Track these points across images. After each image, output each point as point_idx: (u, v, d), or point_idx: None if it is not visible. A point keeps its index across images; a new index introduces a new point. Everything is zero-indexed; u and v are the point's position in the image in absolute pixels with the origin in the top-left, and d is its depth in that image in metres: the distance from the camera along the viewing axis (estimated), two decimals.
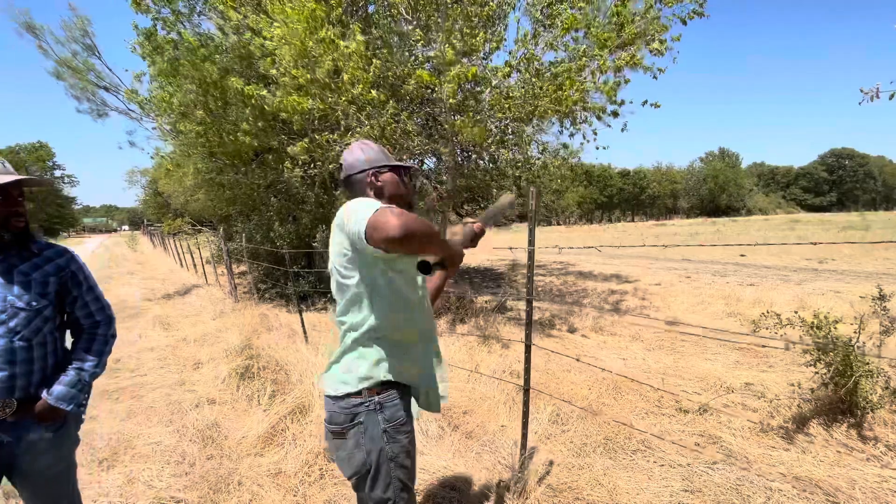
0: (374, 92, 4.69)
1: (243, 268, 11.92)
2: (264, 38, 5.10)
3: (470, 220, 1.61)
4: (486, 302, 7.36)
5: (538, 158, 7.73)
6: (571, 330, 5.90)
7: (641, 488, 2.49)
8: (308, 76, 4.64)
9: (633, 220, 73.87)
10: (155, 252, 23.23)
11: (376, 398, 1.33)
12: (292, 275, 6.08)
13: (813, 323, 3.08)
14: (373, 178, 1.45)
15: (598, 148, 7.11)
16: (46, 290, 1.45)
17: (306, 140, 5.52)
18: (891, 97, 3.36)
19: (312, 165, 6.14)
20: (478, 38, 4.83)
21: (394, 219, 1.10)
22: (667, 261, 13.68)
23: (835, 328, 3.06)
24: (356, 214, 1.19)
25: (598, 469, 2.67)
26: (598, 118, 6.51)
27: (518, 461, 2.27)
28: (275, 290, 8.61)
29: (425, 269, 1.29)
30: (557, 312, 6.79)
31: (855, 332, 2.98)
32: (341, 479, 2.63)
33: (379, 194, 1.45)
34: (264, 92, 5.46)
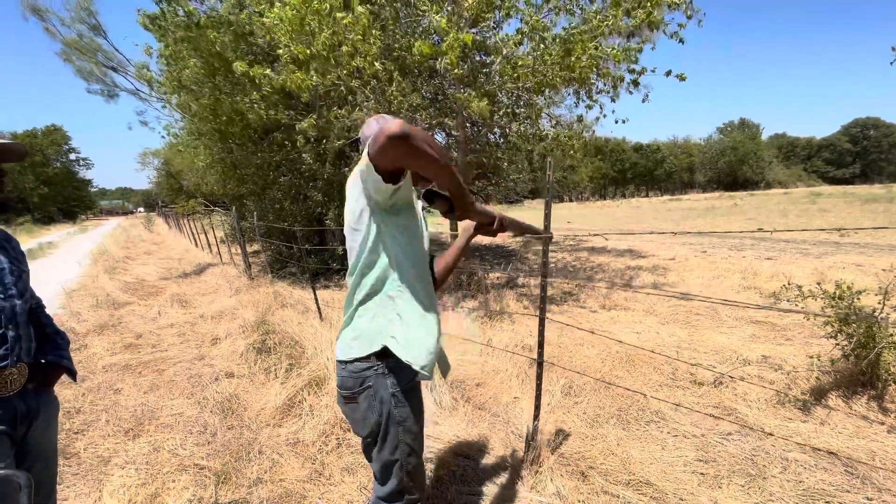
0: (377, 64, 4.59)
1: (256, 246, 12.05)
2: (262, 17, 5.00)
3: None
4: (496, 278, 7.35)
5: (550, 131, 7.56)
6: (584, 305, 5.88)
7: (655, 458, 2.50)
8: (307, 51, 4.54)
9: (647, 196, 72.58)
10: (170, 233, 23.59)
11: (384, 363, 1.34)
12: (305, 252, 6.11)
13: (835, 294, 3.01)
14: None
15: (616, 122, 6.93)
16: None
17: (314, 116, 5.46)
18: None
19: (324, 141, 6.09)
20: (471, 2, 4.63)
21: (392, 121, 1.07)
22: (682, 235, 13.46)
23: (858, 299, 2.98)
24: (364, 157, 1.18)
25: (612, 439, 2.69)
26: (615, 87, 6.30)
27: (531, 431, 2.29)
28: (287, 269, 8.70)
29: (429, 198, 1.26)
30: (570, 288, 6.76)
31: (879, 304, 2.91)
32: (358, 448, 2.69)
33: None
34: (269, 71, 5.38)
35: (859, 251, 8.65)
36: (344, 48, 4.62)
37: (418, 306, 1.36)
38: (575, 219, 22.26)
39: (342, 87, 4.91)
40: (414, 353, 1.31)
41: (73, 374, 1.54)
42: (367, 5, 4.76)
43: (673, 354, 3.91)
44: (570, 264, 9.01)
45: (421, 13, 5.38)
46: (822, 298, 3.07)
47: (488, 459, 2.54)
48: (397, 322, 1.33)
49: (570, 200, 68.46)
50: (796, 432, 2.71)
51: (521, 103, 7.06)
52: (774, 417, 2.88)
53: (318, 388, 3.38)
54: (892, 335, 2.88)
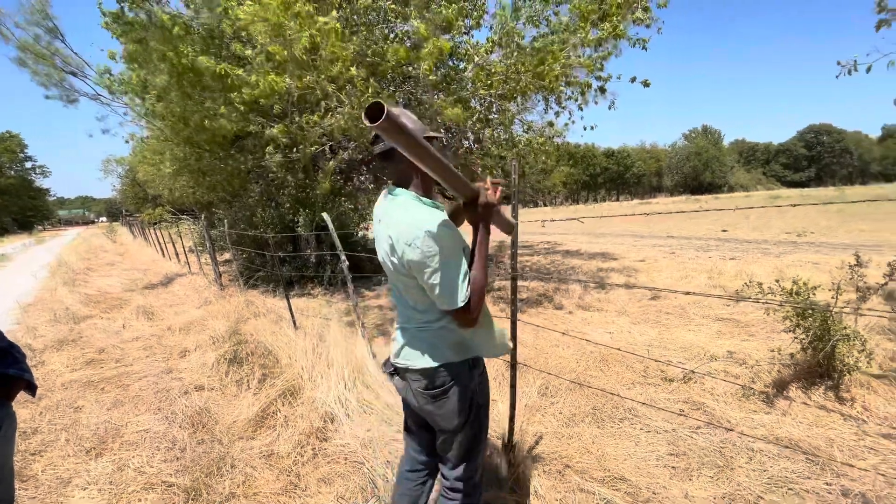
0: (353, 69, 4.57)
1: (227, 255, 11.74)
2: (236, 18, 4.90)
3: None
4: None
5: (522, 136, 7.69)
6: (558, 307, 5.97)
7: (629, 454, 2.56)
8: (285, 53, 4.49)
9: (617, 200, 74.46)
10: (135, 243, 22.72)
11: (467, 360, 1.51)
12: (278, 260, 6.00)
13: (792, 290, 3.16)
14: None
15: (585, 128, 7.14)
16: None
17: (286, 122, 5.38)
18: (868, 70, 3.40)
19: (294, 150, 6.00)
20: (450, 10, 4.69)
21: (478, 317, 1.37)
22: (651, 238, 13.86)
23: (813, 294, 3.14)
24: (438, 278, 1.31)
25: (587, 437, 2.73)
26: (583, 94, 6.47)
27: (507, 433, 2.31)
28: (260, 277, 8.52)
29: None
30: (544, 291, 6.85)
31: (832, 298, 3.07)
32: (334, 458, 2.65)
33: (422, 179, 1.44)
34: (239, 71, 5.28)
35: (815, 250, 9.11)
36: (323, 52, 4.58)
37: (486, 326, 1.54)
38: (549, 224, 22.63)
39: (317, 91, 4.86)
40: (486, 351, 1.55)
41: (33, 389, 1.46)
42: (340, 10, 4.75)
43: (644, 353, 4.02)
44: (545, 267, 9.14)
45: (393, 21, 5.40)
46: (780, 295, 3.22)
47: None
48: (475, 338, 1.50)
49: (544, 205, 69.49)
50: (761, 424, 2.82)
51: (494, 109, 7.16)
52: (740, 410, 2.99)
53: (292, 398, 3.31)
54: (845, 328, 3.04)
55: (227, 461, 2.67)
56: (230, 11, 4.98)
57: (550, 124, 7.75)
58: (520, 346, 4.38)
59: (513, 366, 2.29)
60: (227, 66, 5.36)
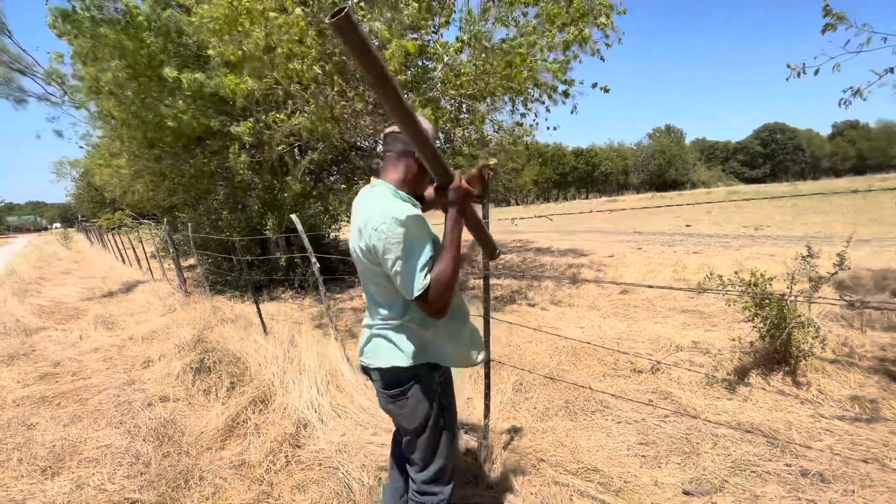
0: (316, 68, 4.49)
1: (192, 260, 11.36)
2: (190, 15, 4.75)
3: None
4: None
5: (493, 136, 7.75)
6: (532, 304, 6.05)
7: (601, 445, 2.62)
8: (239, 52, 4.36)
9: (587, 197, 76.07)
10: (92, 249, 21.66)
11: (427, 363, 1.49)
12: (245, 264, 5.84)
13: (750, 281, 3.30)
14: (415, 161, 1.45)
15: (548, 129, 7.26)
16: None
17: (251, 120, 5.24)
18: (815, 72, 3.58)
19: (260, 150, 5.86)
20: (412, 9, 4.67)
21: (443, 310, 1.34)
22: (619, 234, 14.24)
23: (769, 285, 3.29)
24: (400, 266, 1.29)
25: (561, 431, 2.78)
26: (549, 96, 6.59)
27: (482, 430, 2.32)
28: (227, 282, 8.27)
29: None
30: (518, 288, 6.93)
31: (787, 288, 3.22)
32: (308, 464, 2.60)
33: (415, 171, 1.47)
34: (199, 76, 5.11)
35: (772, 243, 9.55)
36: (279, 50, 4.48)
37: (453, 325, 1.51)
38: (521, 222, 22.91)
39: (280, 91, 4.75)
40: (445, 359, 1.51)
41: None
42: (304, 7, 4.65)
43: (614, 346, 4.12)
44: (518, 265, 9.24)
45: (360, 19, 5.33)
46: (739, 286, 3.36)
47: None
48: (433, 343, 1.48)
49: (517, 203, 70.27)
50: (724, 410, 2.94)
51: (465, 109, 7.19)
52: (705, 398, 3.10)
53: (263, 406, 3.23)
54: (800, 316, 3.20)
55: (195, 473, 2.58)
56: (191, 12, 4.82)
57: (519, 124, 7.85)
58: (495, 343, 4.40)
59: (487, 363, 2.30)
60: (188, 73, 5.17)
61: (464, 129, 7.49)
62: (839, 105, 3.55)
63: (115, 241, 15.49)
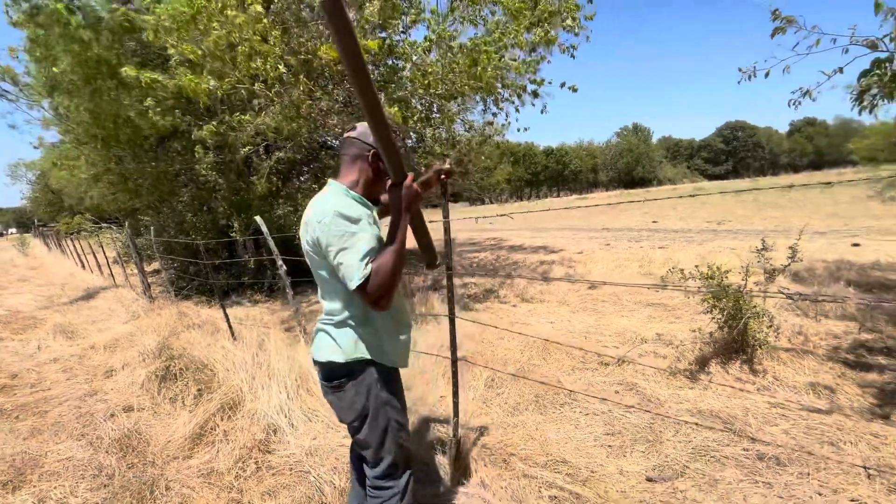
0: (281, 67, 4.41)
1: (156, 265, 10.99)
2: (147, 13, 4.59)
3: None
4: (422, 281, 7.41)
5: (464, 135, 7.80)
6: (504, 301, 6.13)
7: (569, 437, 2.69)
8: (198, 51, 4.25)
9: (558, 195, 77.34)
10: (51, 255, 20.63)
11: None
12: (211, 268, 5.69)
13: (707, 274, 3.45)
14: (373, 158, 1.49)
15: (519, 130, 7.34)
16: None
17: (214, 122, 5.11)
18: (766, 75, 3.75)
19: (226, 150, 5.72)
20: (374, 6, 4.64)
21: (384, 301, 1.35)
22: (589, 231, 14.55)
23: (726, 277, 3.44)
24: (342, 256, 1.33)
25: (531, 425, 2.84)
26: (519, 96, 6.67)
27: (454, 427, 2.35)
28: (193, 286, 8.03)
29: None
30: (491, 286, 7.00)
31: (742, 280, 3.38)
32: (279, 470, 2.57)
33: (368, 175, 1.51)
34: (159, 76, 4.95)
35: (733, 236, 9.96)
36: (240, 49, 4.39)
37: (384, 315, 1.52)
38: (495, 220, 23.12)
39: (243, 91, 4.65)
40: (380, 357, 1.53)
41: None
42: (266, 4, 4.56)
43: (582, 339, 4.23)
44: (491, 263, 9.33)
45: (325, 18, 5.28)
46: (699, 279, 3.50)
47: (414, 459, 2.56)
48: (373, 341, 1.51)
49: (491, 202, 70.76)
50: (686, 399, 3.06)
51: (435, 109, 7.20)
52: (668, 388, 3.22)
53: (232, 412, 3.17)
54: (755, 307, 3.36)
55: (160, 483, 2.52)
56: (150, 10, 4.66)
57: (490, 124, 7.92)
58: (468, 340, 4.45)
59: (454, 362, 2.33)
60: (147, 72, 5.00)
61: (434, 129, 7.50)
62: (789, 105, 3.73)
63: (75, 247, 14.84)
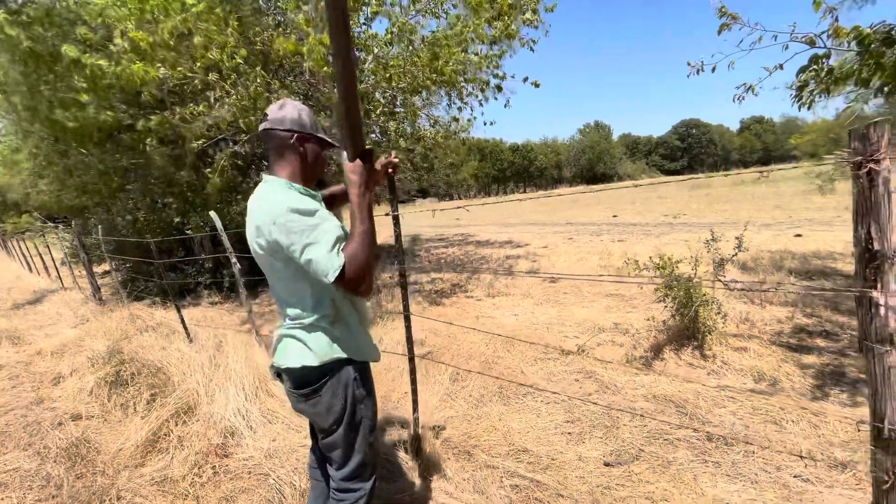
0: (237, 58, 4.26)
1: (106, 266, 10.46)
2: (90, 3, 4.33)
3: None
4: (389, 277, 7.37)
5: (429, 130, 7.77)
6: (470, 295, 6.18)
7: (531, 426, 2.75)
8: (150, 39, 4.04)
9: (524, 191, 78.48)
10: None
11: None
12: (164, 268, 5.46)
13: (658, 265, 3.59)
14: (297, 142, 1.42)
15: (485, 124, 7.39)
16: None
17: (166, 113, 4.88)
18: (713, 69, 3.92)
19: (179, 144, 5.47)
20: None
21: (365, 285, 1.31)
22: (553, 225, 14.86)
23: (676, 267, 3.60)
24: (310, 251, 1.26)
25: (494, 416, 2.88)
26: (482, 91, 6.71)
27: (414, 423, 2.36)
28: (146, 288, 7.68)
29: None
30: (458, 280, 7.04)
31: (692, 270, 3.54)
32: (237, 474, 2.51)
33: (301, 160, 1.44)
34: (102, 62, 4.67)
35: (688, 229, 10.40)
36: (196, 39, 4.21)
37: (353, 312, 1.50)
38: (464, 216, 23.22)
39: (196, 81, 4.46)
40: (358, 353, 1.50)
41: None
42: None
43: (545, 330, 4.32)
44: (459, 258, 9.38)
45: (282, 9, 5.13)
46: (652, 270, 3.65)
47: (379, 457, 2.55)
48: (345, 338, 1.47)
49: (459, 198, 71.00)
50: (641, 385, 3.18)
51: (398, 103, 7.14)
52: (624, 374, 3.34)
53: (187, 417, 3.06)
54: (704, 295, 3.53)
55: (111, 493, 2.41)
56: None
57: (455, 119, 7.93)
58: (433, 335, 4.47)
59: (411, 359, 2.34)
60: (89, 56, 4.71)
61: (399, 123, 7.45)
62: (734, 100, 3.92)
63: (21, 248, 13.91)
